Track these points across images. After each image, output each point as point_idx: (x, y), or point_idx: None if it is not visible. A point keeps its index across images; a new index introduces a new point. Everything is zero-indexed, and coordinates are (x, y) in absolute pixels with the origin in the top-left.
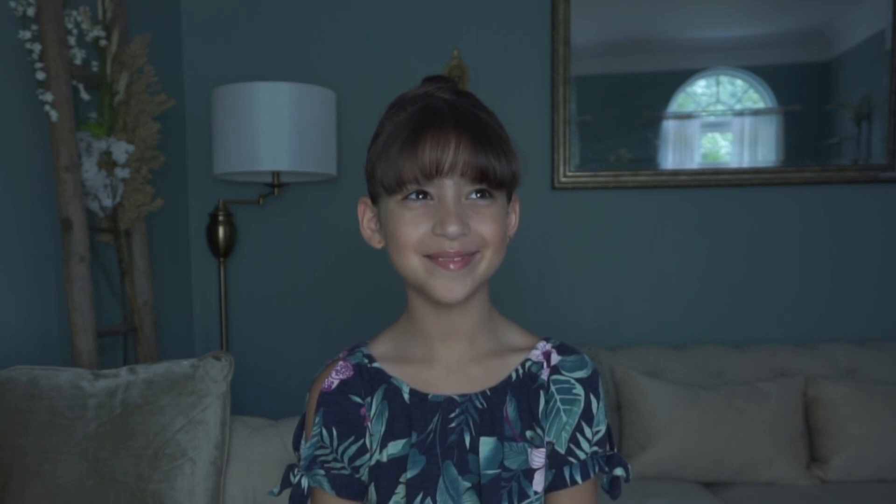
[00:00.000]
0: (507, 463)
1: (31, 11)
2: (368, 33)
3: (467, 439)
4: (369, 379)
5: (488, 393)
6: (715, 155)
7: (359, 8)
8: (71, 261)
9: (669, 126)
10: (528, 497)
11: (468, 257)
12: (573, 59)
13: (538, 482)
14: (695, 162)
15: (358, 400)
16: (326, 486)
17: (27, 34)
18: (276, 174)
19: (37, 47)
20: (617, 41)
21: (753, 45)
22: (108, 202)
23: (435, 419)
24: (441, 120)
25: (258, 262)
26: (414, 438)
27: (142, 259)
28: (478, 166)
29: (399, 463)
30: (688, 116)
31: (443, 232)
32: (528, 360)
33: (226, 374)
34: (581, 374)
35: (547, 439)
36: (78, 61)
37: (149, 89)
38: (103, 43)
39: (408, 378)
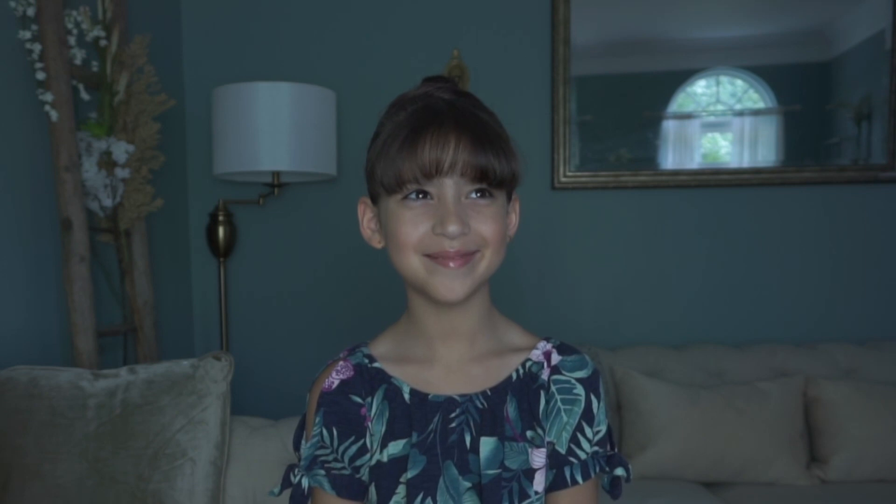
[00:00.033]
0: (507, 463)
1: (31, 11)
2: (368, 33)
3: (468, 439)
4: (370, 379)
5: (489, 393)
6: (715, 155)
7: (359, 8)
8: (71, 261)
9: (669, 126)
10: (529, 497)
11: (468, 256)
12: (573, 59)
13: (539, 482)
14: (695, 162)
15: (358, 400)
16: (327, 486)
17: (27, 34)
18: (276, 174)
19: (37, 47)
20: (617, 41)
21: (753, 45)
22: (108, 202)
23: (435, 419)
24: (441, 119)
25: (258, 262)
26: (414, 438)
27: (142, 259)
28: (477, 166)
29: (399, 463)
30: (688, 116)
31: (443, 231)
32: (529, 360)
33: (226, 374)
34: (581, 373)
35: (547, 439)
36: (78, 61)
37: (149, 89)
38: (103, 43)
39: (408, 378)
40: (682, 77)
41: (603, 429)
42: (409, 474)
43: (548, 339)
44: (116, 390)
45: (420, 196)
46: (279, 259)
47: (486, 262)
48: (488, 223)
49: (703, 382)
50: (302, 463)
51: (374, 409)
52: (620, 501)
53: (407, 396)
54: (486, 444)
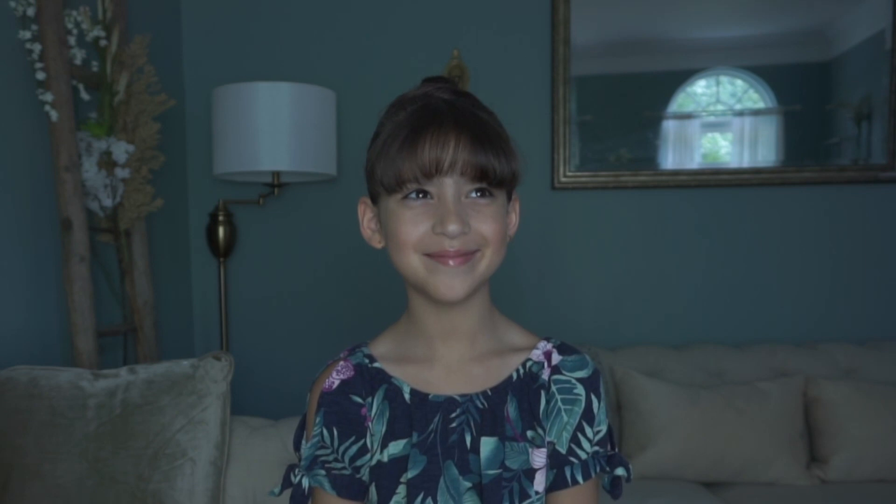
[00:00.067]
0: (508, 463)
1: (31, 11)
2: (368, 33)
3: (468, 439)
4: (370, 379)
5: (489, 393)
6: (715, 155)
7: (359, 8)
8: (71, 261)
9: (669, 126)
10: (529, 497)
11: (468, 255)
12: (573, 59)
13: (539, 482)
14: (695, 162)
15: (359, 400)
16: (327, 486)
17: (27, 34)
18: (276, 174)
19: (37, 47)
20: (617, 41)
21: (753, 45)
22: (108, 202)
23: (436, 419)
24: (440, 119)
25: (258, 263)
26: (415, 438)
27: (142, 259)
28: (477, 165)
29: (400, 463)
30: (688, 116)
31: (443, 230)
32: (529, 359)
33: (226, 374)
34: (582, 373)
35: (548, 439)
36: (78, 61)
37: (149, 89)
38: (103, 43)
39: (408, 378)
40: (682, 77)
41: (603, 429)
42: (410, 474)
43: (548, 339)
44: (116, 390)
45: (420, 195)
46: (279, 259)
47: (487, 262)
48: (488, 222)
49: (703, 382)
50: (302, 463)
51: (375, 409)
52: (621, 501)
53: (407, 396)
54: (487, 444)
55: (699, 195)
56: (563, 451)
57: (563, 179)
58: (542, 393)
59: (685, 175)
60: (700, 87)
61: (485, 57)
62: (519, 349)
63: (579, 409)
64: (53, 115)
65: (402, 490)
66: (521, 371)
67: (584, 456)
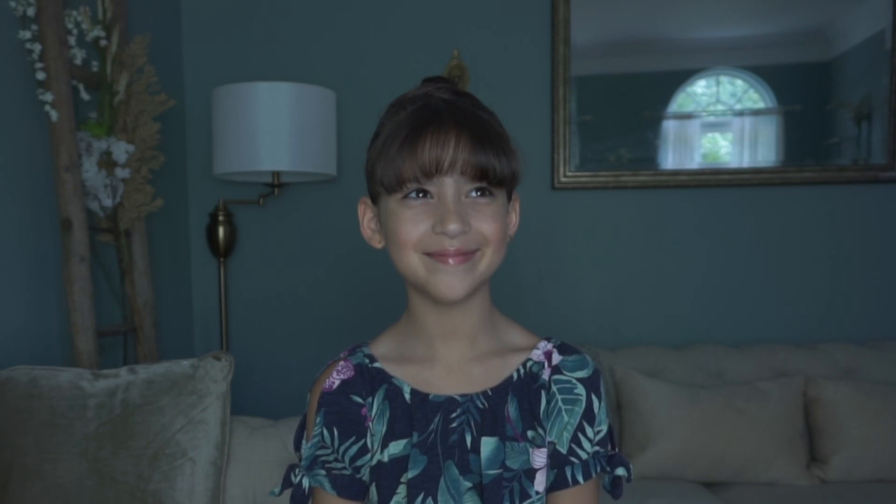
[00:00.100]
0: (508, 463)
1: (31, 11)
2: (368, 33)
3: (468, 439)
4: (370, 379)
5: (489, 393)
6: (715, 155)
7: (359, 8)
8: (71, 261)
9: (669, 126)
10: (530, 497)
11: (468, 255)
12: (573, 59)
13: (539, 482)
14: (695, 162)
15: (359, 400)
16: (327, 486)
17: (27, 34)
18: (276, 174)
19: (37, 47)
20: (617, 41)
21: (753, 45)
22: (108, 202)
23: (436, 419)
24: (440, 118)
25: (258, 263)
26: (415, 438)
27: (142, 259)
28: (477, 164)
29: (400, 463)
30: (688, 116)
31: (443, 230)
32: (530, 359)
33: (226, 374)
34: (582, 373)
35: (548, 439)
36: (78, 61)
37: (149, 89)
38: (103, 43)
39: (409, 378)
40: (681, 77)
41: (604, 429)
42: (410, 474)
43: (548, 339)
44: (116, 390)
45: (420, 195)
46: (279, 259)
47: (487, 261)
48: (488, 222)
49: (703, 382)
50: (302, 463)
51: (375, 409)
52: (621, 501)
53: (407, 396)
54: (487, 444)
55: (699, 195)
56: (563, 451)
57: (563, 179)
58: (543, 393)
59: (685, 175)
60: (700, 87)
61: (485, 57)
62: (519, 349)
63: (580, 409)
64: (53, 115)
65: (402, 490)
66: (522, 371)
67: (584, 456)
